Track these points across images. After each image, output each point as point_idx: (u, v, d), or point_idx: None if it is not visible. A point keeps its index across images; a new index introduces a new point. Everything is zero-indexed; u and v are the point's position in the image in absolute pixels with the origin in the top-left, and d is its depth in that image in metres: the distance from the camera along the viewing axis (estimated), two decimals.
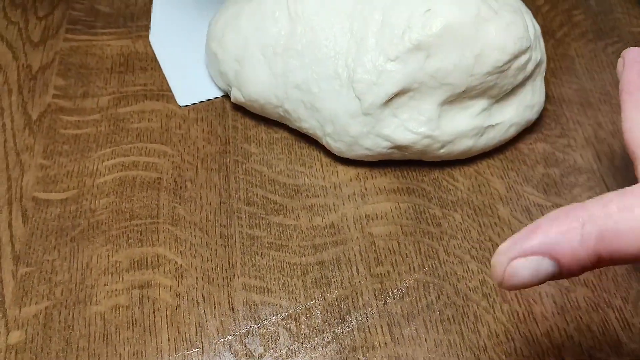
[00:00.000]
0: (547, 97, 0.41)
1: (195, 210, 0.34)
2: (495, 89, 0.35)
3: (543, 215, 0.20)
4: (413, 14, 0.34)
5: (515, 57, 0.34)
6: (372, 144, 0.35)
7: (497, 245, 0.34)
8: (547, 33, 0.46)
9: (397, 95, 0.34)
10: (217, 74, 0.39)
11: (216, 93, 0.40)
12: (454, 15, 0.33)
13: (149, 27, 0.44)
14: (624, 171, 0.38)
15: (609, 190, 0.36)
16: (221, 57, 0.37)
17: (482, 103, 0.35)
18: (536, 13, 0.47)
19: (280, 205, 0.35)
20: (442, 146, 0.35)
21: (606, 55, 0.44)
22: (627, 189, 0.19)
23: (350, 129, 0.34)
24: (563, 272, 0.20)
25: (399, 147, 0.35)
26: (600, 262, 0.19)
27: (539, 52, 0.36)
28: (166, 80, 0.40)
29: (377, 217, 0.35)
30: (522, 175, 0.37)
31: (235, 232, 0.33)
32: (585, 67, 0.44)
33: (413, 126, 0.34)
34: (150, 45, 0.43)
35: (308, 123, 0.36)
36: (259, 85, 0.36)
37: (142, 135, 0.37)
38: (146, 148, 0.37)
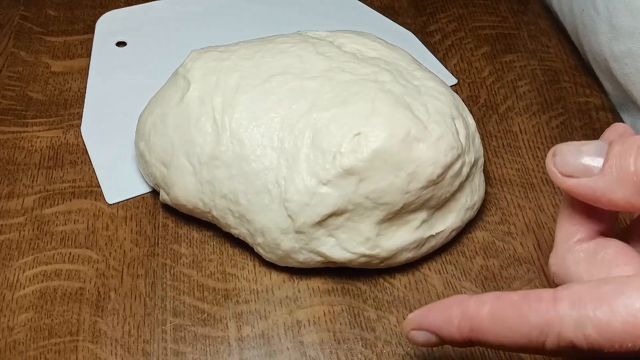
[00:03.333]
0: (488, 180, 0.40)
1: (117, 324, 0.33)
2: (433, 200, 0.34)
3: None
4: (344, 137, 0.33)
5: (449, 167, 0.34)
6: (306, 258, 0.34)
7: (433, 349, 0.33)
8: (491, 108, 0.45)
9: (333, 215, 0.33)
10: (145, 174, 0.38)
11: (146, 189, 0.39)
12: (383, 139, 0.33)
13: (82, 115, 0.43)
14: None
15: (548, 283, 0.35)
16: (148, 159, 0.36)
17: (421, 215, 0.34)
18: (481, 86, 0.47)
19: (208, 314, 0.33)
20: (381, 262, 0.34)
21: (550, 129, 0.44)
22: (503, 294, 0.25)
23: (282, 244, 0.33)
24: (446, 343, 0.27)
25: (334, 263, 0.34)
26: (473, 344, 0.26)
27: (472, 153, 0.36)
28: (96, 175, 0.39)
29: (309, 324, 0.33)
30: (460, 269, 0.36)
31: (159, 348, 0.32)
32: (529, 143, 0.43)
33: (350, 246, 0.33)
34: (81, 135, 0.41)
35: (238, 230, 0.35)
36: (185, 191, 0.35)
37: (66, 240, 0.36)
38: (70, 254, 0.36)
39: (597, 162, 0.25)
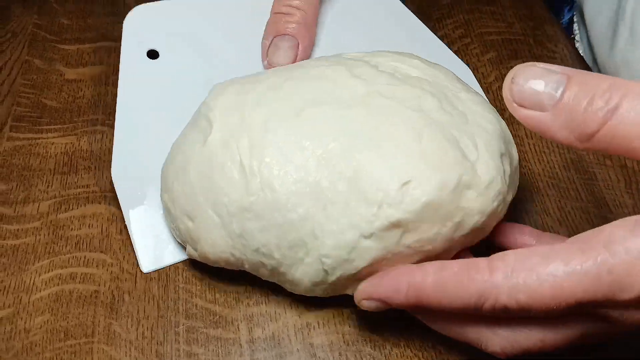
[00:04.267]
0: None
1: (131, 326, 0.34)
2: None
3: None
4: (389, 184, 0.30)
5: (494, 213, 0.32)
6: (330, 294, 0.33)
7: (442, 352, 0.33)
8: (498, 112, 0.46)
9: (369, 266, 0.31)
10: (172, 228, 0.35)
11: (183, 256, 0.36)
12: (435, 188, 0.30)
13: (95, 122, 0.44)
14: None
15: None
16: (173, 212, 0.34)
17: None
18: (487, 91, 0.47)
19: (220, 316, 0.34)
20: None
21: None
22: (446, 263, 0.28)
23: (312, 292, 0.33)
24: (394, 308, 0.30)
25: None
26: (419, 309, 0.30)
27: (511, 193, 0.34)
28: (110, 180, 0.40)
29: (319, 326, 0.34)
30: None
31: (172, 349, 0.33)
32: (535, 148, 0.44)
33: None
34: (92, 144, 0.42)
35: (269, 279, 0.34)
36: (214, 247, 0.32)
37: (81, 244, 0.37)
38: (85, 257, 0.36)
39: (551, 99, 0.26)
